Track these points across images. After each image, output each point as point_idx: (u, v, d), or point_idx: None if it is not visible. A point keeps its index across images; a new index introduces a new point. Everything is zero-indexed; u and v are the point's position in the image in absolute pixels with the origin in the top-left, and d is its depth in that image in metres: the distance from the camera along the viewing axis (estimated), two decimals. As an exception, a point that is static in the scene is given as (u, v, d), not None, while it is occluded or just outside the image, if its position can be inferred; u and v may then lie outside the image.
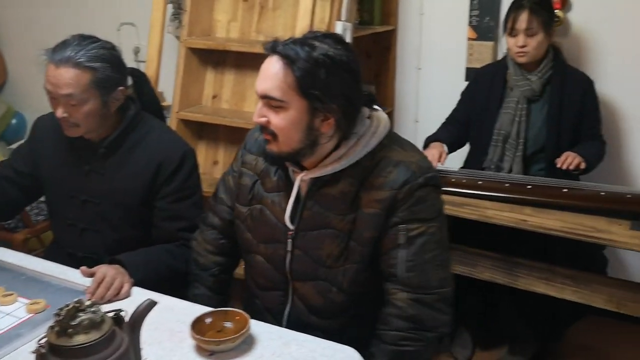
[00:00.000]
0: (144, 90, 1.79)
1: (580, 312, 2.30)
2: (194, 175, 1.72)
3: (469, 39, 2.65)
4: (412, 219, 1.29)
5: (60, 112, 1.56)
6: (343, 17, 2.27)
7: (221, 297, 1.56)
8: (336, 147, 1.31)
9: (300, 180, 1.34)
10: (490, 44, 2.61)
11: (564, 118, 2.24)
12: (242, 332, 1.23)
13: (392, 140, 1.35)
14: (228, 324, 1.29)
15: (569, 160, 2.10)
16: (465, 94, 2.46)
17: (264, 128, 1.30)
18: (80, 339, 0.95)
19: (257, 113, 1.29)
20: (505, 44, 2.29)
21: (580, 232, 1.90)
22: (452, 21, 2.69)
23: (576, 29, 2.46)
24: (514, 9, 2.20)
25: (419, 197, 1.29)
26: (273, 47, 1.25)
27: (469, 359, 2.42)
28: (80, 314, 0.97)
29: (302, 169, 1.34)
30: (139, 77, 1.79)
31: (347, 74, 1.24)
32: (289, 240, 1.38)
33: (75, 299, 0.98)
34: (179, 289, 1.57)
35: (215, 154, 2.70)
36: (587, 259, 2.21)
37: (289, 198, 1.36)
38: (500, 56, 2.57)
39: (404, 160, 1.31)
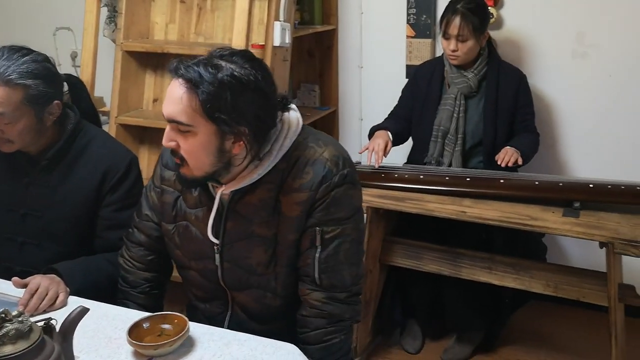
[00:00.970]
0: (81, 96, 1.74)
1: (523, 298, 2.38)
2: (139, 184, 1.69)
3: (408, 36, 2.71)
4: (328, 220, 1.29)
5: None
6: (281, 17, 2.27)
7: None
8: (250, 161, 1.28)
9: (220, 193, 1.32)
10: (428, 41, 2.67)
11: (499, 112, 2.32)
12: (180, 335, 1.22)
13: (306, 137, 1.32)
14: (167, 328, 1.28)
15: (507, 158, 2.15)
16: (405, 91, 2.51)
17: (174, 152, 1.26)
18: (7, 349, 0.93)
19: (166, 137, 1.24)
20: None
21: (516, 220, 1.96)
22: (391, 20, 2.74)
23: (509, 24, 2.55)
24: (448, 13, 2.26)
25: (334, 198, 1.28)
26: (176, 70, 1.19)
27: (418, 350, 2.47)
28: (7, 324, 0.94)
29: (220, 182, 1.32)
30: (75, 84, 1.74)
31: (255, 93, 1.20)
32: (217, 255, 1.36)
33: (0, 309, 0.95)
34: (116, 299, 1.54)
35: (157, 159, 2.65)
36: (527, 246, 2.30)
37: (210, 212, 1.33)
38: (438, 53, 2.63)
39: (319, 157, 1.29)
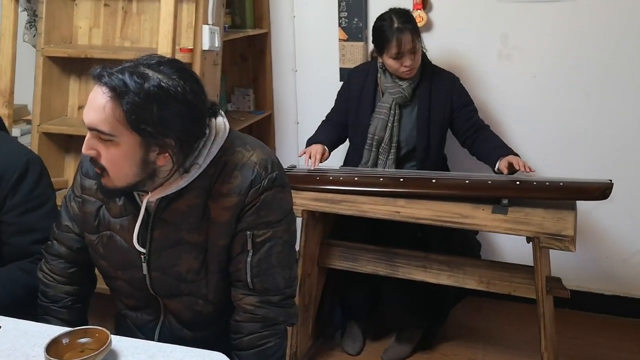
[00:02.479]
0: None
1: (460, 295, 2.43)
2: (42, 184, 1.60)
3: (340, 40, 2.72)
4: (258, 224, 1.27)
5: None
6: (209, 20, 2.24)
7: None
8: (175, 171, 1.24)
9: (146, 201, 1.28)
10: (360, 44, 2.70)
11: (432, 119, 2.34)
12: (100, 349, 1.17)
13: (233, 141, 1.30)
14: (88, 342, 1.22)
15: (525, 164, 2.11)
16: (339, 96, 2.51)
17: (94, 161, 1.21)
18: None
19: (86, 145, 1.19)
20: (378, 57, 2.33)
21: (448, 219, 2.00)
22: (323, 23, 2.75)
23: (437, 27, 2.61)
24: (391, 34, 2.20)
25: (264, 201, 1.27)
26: (99, 77, 1.14)
27: (359, 352, 2.47)
28: None
29: (145, 191, 1.27)
30: None
31: (183, 105, 1.16)
32: (144, 264, 1.32)
33: None
34: (37, 314, 1.46)
35: (87, 168, 2.56)
36: (461, 244, 2.34)
37: (136, 220, 1.29)
38: (370, 56, 2.66)
39: (247, 162, 1.27)
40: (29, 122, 2.62)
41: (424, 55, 2.36)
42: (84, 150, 1.20)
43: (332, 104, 2.53)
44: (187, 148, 1.21)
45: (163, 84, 1.14)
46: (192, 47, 2.22)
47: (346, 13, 2.68)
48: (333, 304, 2.55)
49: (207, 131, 1.26)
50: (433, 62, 2.40)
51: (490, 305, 2.65)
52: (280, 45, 2.86)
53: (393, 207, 2.09)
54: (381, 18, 2.27)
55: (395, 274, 2.24)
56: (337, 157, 2.56)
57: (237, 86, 2.96)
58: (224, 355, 1.23)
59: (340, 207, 2.14)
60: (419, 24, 2.40)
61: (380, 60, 2.32)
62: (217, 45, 2.29)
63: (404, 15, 2.25)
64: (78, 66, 2.48)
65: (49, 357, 1.15)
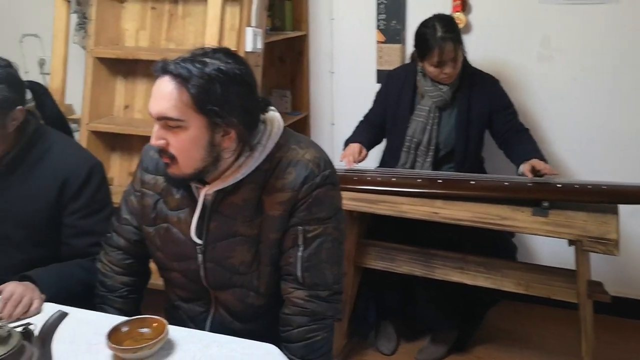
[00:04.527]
0: (45, 103, 1.72)
1: (495, 298, 2.43)
2: (102, 189, 1.67)
3: (378, 42, 2.75)
4: (310, 220, 1.32)
5: None
6: (253, 23, 2.29)
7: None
8: (237, 157, 1.31)
9: (204, 194, 1.33)
10: (398, 46, 2.72)
11: (472, 121, 2.35)
12: (159, 338, 1.22)
13: (288, 139, 1.35)
14: (146, 332, 1.27)
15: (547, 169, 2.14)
16: (377, 97, 2.53)
17: (163, 151, 1.26)
18: (-15, 355, 0.92)
19: (155, 136, 1.25)
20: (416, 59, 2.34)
21: (487, 220, 2.01)
22: (361, 25, 2.78)
23: (477, 30, 2.62)
24: (438, 43, 2.20)
25: (316, 198, 1.31)
26: (164, 68, 1.22)
27: (393, 351, 2.49)
28: (-16, 330, 0.93)
29: (204, 183, 1.33)
30: (39, 91, 1.71)
31: (241, 86, 1.23)
32: (199, 255, 1.37)
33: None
34: (93, 304, 1.52)
35: (129, 165, 2.63)
36: (498, 246, 2.35)
37: (193, 213, 1.35)
38: (408, 58, 2.68)
39: (301, 159, 1.32)
40: (74, 121, 2.70)
41: (464, 59, 2.37)
42: (152, 141, 1.26)
43: (368, 106, 2.56)
44: (249, 127, 1.27)
45: (222, 67, 1.21)
46: (235, 49, 2.27)
47: (384, 15, 2.71)
48: (367, 303, 2.57)
49: (263, 125, 1.32)
50: (472, 65, 2.41)
51: (526, 308, 2.64)
52: (318, 47, 2.90)
53: (431, 208, 2.11)
54: (425, 25, 2.28)
55: (431, 274, 2.25)
56: (373, 158, 2.59)
57: (275, 87, 3.01)
58: (275, 347, 1.27)
59: (379, 207, 2.16)
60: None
61: (420, 64, 2.34)
62: (259, 47, 2.34)
63: (447, 24, 2.25)
64: (124, 67, 2.55)
65: (110, 344, 1.21)
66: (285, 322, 1.36)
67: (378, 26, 2.73)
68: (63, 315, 1.06)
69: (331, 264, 1.35)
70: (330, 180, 1.34)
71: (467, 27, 2.60)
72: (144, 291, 1.61)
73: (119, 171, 2.62)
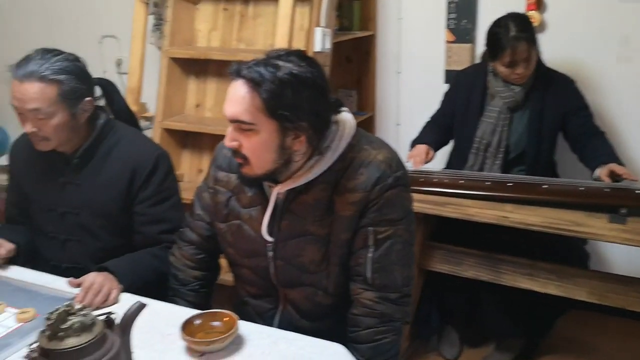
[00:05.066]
0: (114, 99, 1.79)
1: (565, 306, 2.34)
2: (169, 178, 1.73)
3: (447, 41, 2.70)
4: (380, 221, 1.31)
5: (29, 127, 1.55)
6: (322, 23, 2.30)
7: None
8: (308, 158, 1.32)
9: (276, 193, 1.35)
10: (468, 46, 2.67)
11: (545, 123, 2.27)
12: (230, 332, 1.25)
13: (360, 139, 1.35)
14: (217, 325, 1.31)
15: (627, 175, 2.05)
16: (445, 97, 2.49)
17: (236, 152, 1.30)
18: (72, 342, 0.96)
19: (229, 137, 1.29)
20: (483, 52, 2.31)
21: (560, 226, 1.94)
22: (430, 25, 2.74)
23: (552, 29, 2.52)
24: (510, 42, 2.14)
25: (388, 199, 1.31)
26: (237, 71, 1.24)
27: (456, 357, 2.45)
28: (71, 318, 0.98)
29: (276, 181, 1.35)
30: (108, 87, 1.78)
31: (313, 90, 1.24)
32: (270, 253, 1.40)
33: (66, 303, 1.00)
34: (166, 292, 1.58)
35: (199, 162, 2.71)
36: (569, 254, 2.26)
37: (265, 211, 1.37)
38: (478, 58, 2.62)
39: (373, 160, 1.32)
40: (147, 118, 2.81)
41: (538, 58, 2.29)
42: (226, 142, 1.30)
43: (434, 107, 2.52)
44: (319, 131, 1.28)
45: (294, 71, 1.22)
46: (304, 49, 2.29)
47: (455, 14, 2.66)
48: (430, 306, 2.54)
49: (335, 125, 1.32)
50: (547, 65, 2.33)
51: (598, 319, 2.53)
52: (385, 47, 2.88)
53: (500, 212, 2.05)
54: (497, 24, 2.22)
55: (498, 280, 2.20)
56: (438, 160, 2.55)
57: (341, 87, 3.01)
58: (343, 347, 1.27)
59: (446, 210, 2.12)
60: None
61: (491, 64, 2.28)
62: (327, 47, 2.35)
63: (521, 23, 2.18)
64: (197, 67, 2.63)
65: (184, 336, 1.25)
66: (353, 322, 1.36)
67: (448, 25, 2.69)
68: (142, 306, 1.10)
69: (401, 265, 1.34)
70: (402, 182, 1.34)
71: (542, 26, 2.51)
72: (214, 286, 1.66)
73: (189, 168, 2.70)
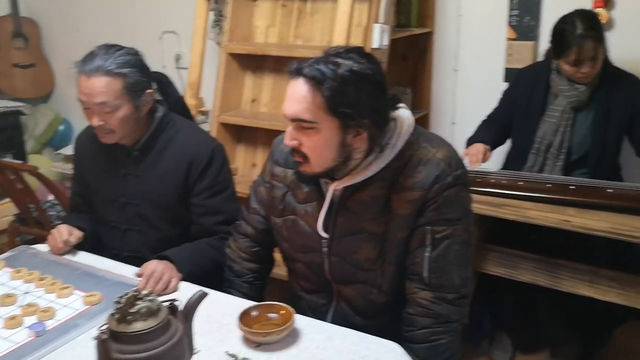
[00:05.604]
0: (168, 92, 1.82)
1: (625, 316, 2.25)
2: (224, 170, 1.75)
3: (509, 39, 2.64)
4: (439, 220, 1.29)
5: (95, 121, 1.60)
6: (381, 19, 2.29)
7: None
8: (366, 155, 1.31)
9: (332, 190, 1.35)
10: (530, 43, 2.60)
11: (610, 125, 2.18)
12: (287, 324, 1.26)
13: (418, 137, 1.33)
14: (274, 317, 1.32)
15: None
16: (505, 95, 2.43)
17: (295, 150, 1.30)
18: (139, 325, 1.00)
19: (288, 136, 1.29)
20: (547, 49, 2.24)
21: (625, 232, 1.86)
22: (491, 21, 2.68)
23: (620, 26, 2.43)
24: (576, 40, 2.07)
25: (447, 198, 1.29)
26: (298, 70, 1.24)
27: (509, 363, 2.40)
28: (139, 302, 1.01)
29: (333, 178, 1.35)
30: (163, 80, 1.82)
31: (373, 86, 1.23)
32: (325, 249, 1.40)
33: (134, 289, 1.03)
34: (221, 282, 1.61)
35: (253, 157, 2.75)
36: (632, 261, 2.17)
37: (321, 207, 1.37)
38: (541, 56, 2.55)
39: (432, 157, 1.30)
40: (203, 112, 2.86)
41: (605, 57, 2.20)
42: (286, 141, 1.30)
43: (492, 105, 2.47)
44: (380, 128, 1.27)
45: (355, 68, 1.22)
46: (362, 46, 2.28)
47: (517, 11, 2.60)
48: (483, 309, 2.49)
49: (393, 123, 1.31)
50: (615, 64, 2.24)
51: (661, 330, 2.42)
52: (443, 44, 2.84)
53: (562, 216, 1.98)
54: (564, 21, 2.15)
55: (557, 286, 2.13)
56: (497, 161, 2.50)
57: (396, 85, 2.99)
58: (399, 345, 1.26)
59: (503, 212, 2.07)
60: (598, 23, 2.26)
61: (555, 62, 2.21)
62: (385, 43, 2.34)
63: (589, 21, 2.10)
64: (254, 62, 2.67)
65: (242, 326, 1.27)
66: (408, 321, 1.35)
67: (509, 22, 2.62)
68: (204, 295, 1.12)
69: (459, 266, 1.32)
70: (462, 181, 1.31)
71: (610, 24, 2.42)
72: (267, 279, 1.68)
73: (243, 162, 2.74)
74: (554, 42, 2.18)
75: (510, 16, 2.61)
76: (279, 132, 2.34)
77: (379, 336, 1.30)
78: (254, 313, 1.32)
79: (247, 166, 2.74)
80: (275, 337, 1.25)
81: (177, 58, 3.37)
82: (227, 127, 2.65)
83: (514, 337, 2.44)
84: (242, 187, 1.93)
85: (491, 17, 2.68)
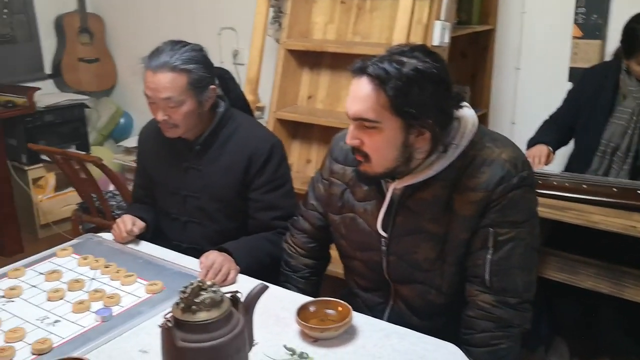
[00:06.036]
0: (229, 87, 1.85)
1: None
2: (283, 166, 1.77)
3: (574, 37, 2.55)
4: (502, 222, 1.26)
5: (160, 116, 1.65)
6: (442, 16, 2.25)
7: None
8: (428, 155, 1.29)
9: (392, 188, 1.34)
10: (597, 42, 2.50)
11: None
12: (345, 321, 1.26)
13: (483, 136, 1.31)
14: (331, 314, 1.33)
15: None
16: (570, 95, 2.36)
17: (356, 150, 1.29)
18: (203, 315, 1.02)
19: (350, 135, 1.28)
20: (614, 47, 2.16)
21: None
22: (556, 19, 2.60)
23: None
24: None
25: (511, 199, 1.26)
26: (362, 69, 1.23)
27: (566, 370, 2.32)
28: (203, 293, 1.03)
29: (393, 177, 1.33)
30: (224, 76, 1.84)
31: (438, 85, 1.21)
32: (383, 247, 1.39)
33: (198, 279, 1.05)
34: (277, 277, 1.63)
35: (308, 153, 2.76)
36: None
37: (380, 206, 1.36)
38: (608, 56, 2.45)
39: (497, 158, 1.27)
40: (259, 108, 2.89)
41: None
42: (347, 140, 1.29)
43: (554, 105, 2.40)
44: (443, 127, 1.25)
45: (419, 67, 1.20)
46: (422, 43, 2.25)
47: (584, 9, 2.50)
48: (540, 314, 2.42)
49: (457, 122, 1.29)
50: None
51: None
52: (505, 42, 2.77)
53: (629, 222, 1.91)
54: (636, 20, 2.05)
55: (620, 293, 2.05)
56: (559, 164, 2.42)
57: (455, 83, 2.91)
58: (458, 348, 1.24)
59: (566, 215, 2.01)
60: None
61: (625, 62, 2.12)
62: (446, 41, 2.30)
63: None
64: (311, 59, 2.67)
65: (299, 320, 1.28)
66: (468, 324, 1.32)
67: (576, 20, 2.54)
68: (265, 288, 1.14)
69: (522, 270, 1.29)
70: (528, 182, 1.28)
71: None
72: (322, 275, 1.68)
73: (298, 158, 2.75)
74: (625, 42, 2.09)
75: (577, 14, 2.53)
76: (335, 129, 2.37)
77: (437, 337, 1.28)
78: (311, 308, 1.33)
79: (301, 162, 2.75)
80: (333, 333, 1.26)
81: (235, 54, 3.42)
82: (283, 123, 2.67)
83: (571, 344, 2.36)
84: (296, 183, 1.93)
85: (556, 14, 2.59)
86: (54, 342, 1.26)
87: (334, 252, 1.63)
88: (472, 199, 1.27)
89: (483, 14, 2.74)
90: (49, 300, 1.43)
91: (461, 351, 1.24)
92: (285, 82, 2.63)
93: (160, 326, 1.04)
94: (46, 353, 1.23)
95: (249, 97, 2.52)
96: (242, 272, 1.57)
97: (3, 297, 1.46)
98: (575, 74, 2.51)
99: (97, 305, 1.40)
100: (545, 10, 2.63)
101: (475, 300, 1.31)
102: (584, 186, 2.08)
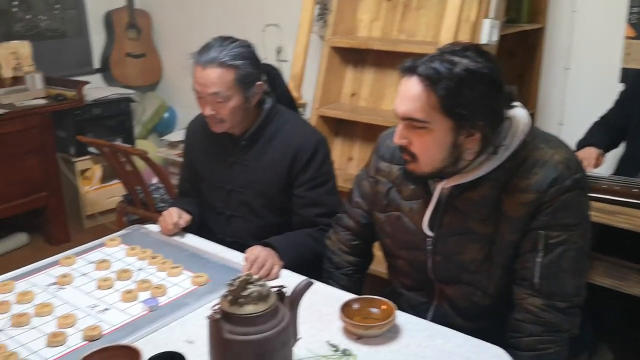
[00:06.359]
0: (276, 83, 1.85)
1: None
2: (327, 163, 1.77)
3: (627, 37, 2.48)
4: (553, 225, 1.24)
5: (208, 110, 1.67)
6: (491, 14, 2.21)
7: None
8: (477, 155, 1.27)
9: (440, 188, 1.32)
10: (651, 42, 2.42)
11: None
12: (389, 319, 1.26)
13: (535, 137, 1.28)
14: (374, 312, 1.32)
15: None
16: (622, 96, 2.29)
17: (404, 149, 1.28)
18: (250, 309, 1.03)
19: (399, 135, 1.27)
20: None
21: None
22: (608, 19, 2.53)
23: None
24: None
25: (564, 202, 1.23)
26: (412, 68, 1.21)
27: (610, 379, 2.26)
28: (250, 286, 1.04)
29: (441, 177, 1.32)
30: (272, 72, 1.85)
31: (490, 86, 1.19)
32: (429, 247, 1.37)
33: (246, 273, 1.06)
34: (320, 273, 1.63)
35: (350, 151, 2.76)
36: None
37: (427, 205, 1.35)
38: (663, 55, 2.37)
39: (550, 159, 1.24)
40: (301, 105, 2.90)
41: None
42: (395, 140, 1.29)
43: (604, 107, 2.33)
44: (493, 129, 1.23)
45: (471, 67, 1.18)
46: (469, 42, 2.21)
47: (638, 8, 2.42)
48: (584, 320, 2.35)
49: (508, 122, 1.26)
50: None
51: None
52: (555, 41, 2.71)
53: (682, 228, 1.84)
54: None
55: (670, 302, 1.98)
56: (608, 167, 2.35)
57: (501, 83, 2.88)
58: (504, 351, 1.22)
59: (616, 220, 1.95)
60: None
61: None
62: (494, 39, 2.26)
63: None
64: (355, 56, 2.67)
65: (343, 317, 1.28)
66: (515, 327, 1.30)
67: (629, 20, 2.46)
68: (310, 283, 1.14)
69: (573, 274, 1.26)
70: (581, 185, 1.25)
71: None
72: (365, 273, 1.68)
73: (340, 155, 2.75)
74: None
75: (630, 14, 2.45)
76: (378, 127, 2.36)
77: (481, 339, 1.26)
78: (355, 306, 1.33)
79: (343, 160, 2.75)
80: (377, 331, 1.25)
81: (279, 50, 3.45)
82: (325, 120, 2.67)
83: (616, 351, 2.30)
84: (338, 181, 1.93)
85: (608, 14, 2.52)
86: (104, 329, 1.30)
87: (377, 252, 1.62)
88: (523, 200, 1.24)
89: (533, 12, 2.68)
90: (98, 289, 1.47)
91: (508, 354, 1.22)
92: (328, 79, 2.63)
93: (207, 318, 1.05)
94: (97, 339, 1.27)
95: (293, 93, 2.53)
96: (285, 267, 1.58)
97: (55, 284, 1.51)
98: (627, 75, 2.44)
99: (144, 295, 1.43)
100: (597, 10, 2.56)
101: (523, 304, 1.29)
102: (635, 190, 2.02)
